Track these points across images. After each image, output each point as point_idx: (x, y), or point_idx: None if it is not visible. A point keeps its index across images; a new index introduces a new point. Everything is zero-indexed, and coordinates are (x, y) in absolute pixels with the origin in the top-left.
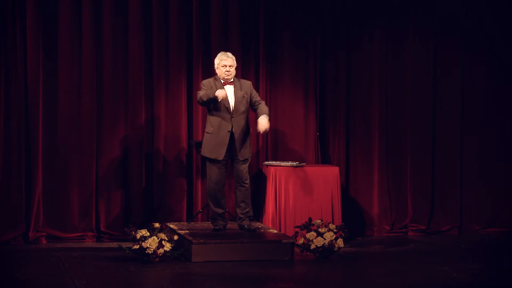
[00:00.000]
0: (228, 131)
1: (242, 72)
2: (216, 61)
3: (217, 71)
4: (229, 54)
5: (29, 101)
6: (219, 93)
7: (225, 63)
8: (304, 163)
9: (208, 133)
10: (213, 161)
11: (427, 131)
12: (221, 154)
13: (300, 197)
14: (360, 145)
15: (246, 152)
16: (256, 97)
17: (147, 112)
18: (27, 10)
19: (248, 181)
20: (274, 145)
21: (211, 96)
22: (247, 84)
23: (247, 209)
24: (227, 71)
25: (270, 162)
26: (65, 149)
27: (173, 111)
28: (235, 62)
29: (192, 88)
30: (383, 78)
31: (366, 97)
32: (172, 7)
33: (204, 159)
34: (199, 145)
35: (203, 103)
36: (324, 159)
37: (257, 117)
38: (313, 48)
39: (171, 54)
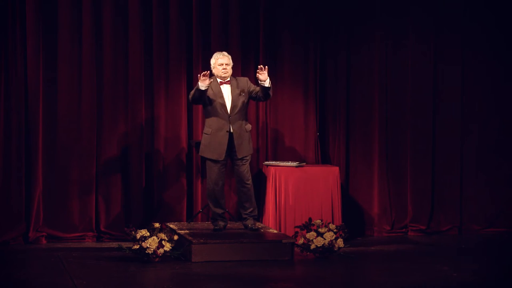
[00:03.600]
0: (227, 131)
1: (242, 72)
2: (212, 61)
3: (213, 71)
4: (225, 53)
5: (29, 101)
6: (202, 82)
7: (221, 61)
8: (304, 163)
9: (206, 134)
10: (213, 161)
11: (427, 131)
12: (221, 155)
13: (300, 197)
14: (360, 145)
15: (245, 150)
16: (255, 88)
17: (147, 112)
18: (27, 10)
19: (250, 181)
20: (274, 145)
21: (197, 88)
22: (244, 80)
23: (251, 209)
24: (223, 69)
25: (270, 162)
26: (65, 149)
27: (173, 111)
28: (231, 61)
29: (192, 87)
30: (383, 78)
31: (366, 97)
32: (172, 7)
33: (204, 159)
34: (199, 145)
35: (193, 98)
36: (324, 159)
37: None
38: (313, 48)
39: (171, 54)
